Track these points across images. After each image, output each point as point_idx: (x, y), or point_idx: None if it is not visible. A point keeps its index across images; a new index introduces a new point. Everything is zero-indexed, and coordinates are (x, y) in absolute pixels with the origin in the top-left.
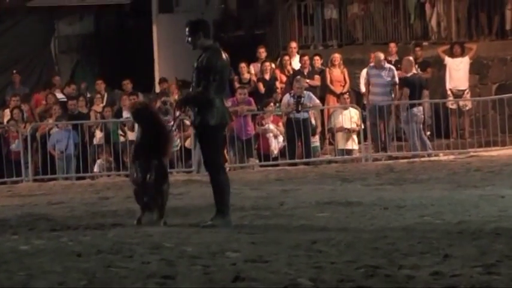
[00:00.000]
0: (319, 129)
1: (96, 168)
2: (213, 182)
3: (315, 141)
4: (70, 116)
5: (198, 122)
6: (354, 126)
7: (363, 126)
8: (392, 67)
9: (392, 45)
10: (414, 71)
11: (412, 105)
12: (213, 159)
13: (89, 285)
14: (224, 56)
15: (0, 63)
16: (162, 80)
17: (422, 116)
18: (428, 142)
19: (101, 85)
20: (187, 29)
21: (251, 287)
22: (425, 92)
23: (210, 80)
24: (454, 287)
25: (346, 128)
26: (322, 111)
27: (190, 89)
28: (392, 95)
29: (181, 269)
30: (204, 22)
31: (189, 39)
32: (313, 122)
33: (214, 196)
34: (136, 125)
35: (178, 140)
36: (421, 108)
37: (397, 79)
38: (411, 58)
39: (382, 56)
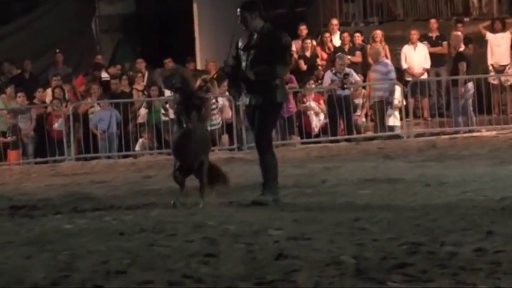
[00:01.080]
0: (366, 107)
1: (137, 147)
2: (265, 160)
3: (361, 118)
4: (113, 95)
5: (263, 100)
6: (396, 102)
7: (404, 103)
8: (389, 62)
9: (433, 21)
10: (462, 46)
11: (466, 81)
12: (269, 137)
13: (132, 264)
14: None
15: (43, 44)
16: (190, 60)
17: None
18: (474, 118)
19: (141, 64)
20: (242, 9)
21: (294, 265)
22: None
23: (287, 59)
24: (497, 264)
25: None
26: (363, 88)
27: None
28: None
29: (224, 248)
30: (258, 1)
31: (248, 18)
32: (358, 100)
33: (265, 174)
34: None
35: (220, 118)
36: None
37: (393, 75)
38: (459, 33)
39: (380, 49)
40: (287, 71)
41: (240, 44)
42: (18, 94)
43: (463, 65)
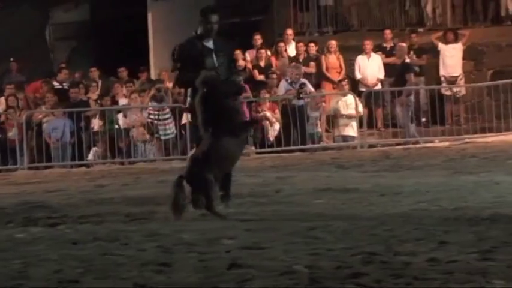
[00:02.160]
0: (324, 116)
1: (90, 156)
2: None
3: (317, 128)
4: (72, 104)
5: None
6: (351, 112)
7: (361, 112)
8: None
9: (387, 31)
10: (407, 57)
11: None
12: None
13: (85, 273)
14: None
15: None
16: (143, 70)
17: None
18: (412, 129)
19: (94, 73)
20: (217, 16)
21: (247, 274)
22: (421, 79)
23: None
24: (450, 273)
25: (343, 114)
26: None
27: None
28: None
29: (177, 256)
30: None
31: (218, 25)
32: (311, 112)
33: (229, 186)
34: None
35: (174, 128)
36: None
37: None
38: (404, 44)
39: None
40: None
41: (183, 52)
42: None
43: (410, 76)
